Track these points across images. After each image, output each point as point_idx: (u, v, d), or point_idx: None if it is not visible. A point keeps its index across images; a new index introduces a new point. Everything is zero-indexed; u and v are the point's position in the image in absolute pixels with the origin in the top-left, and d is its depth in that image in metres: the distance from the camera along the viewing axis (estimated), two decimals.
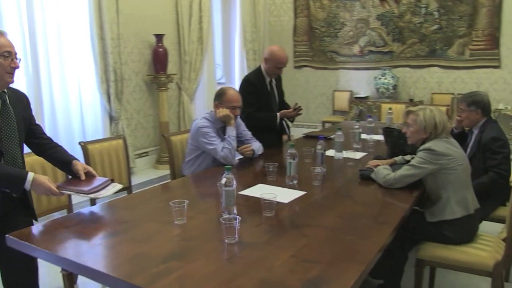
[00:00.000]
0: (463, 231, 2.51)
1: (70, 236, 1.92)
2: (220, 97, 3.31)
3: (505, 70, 7.32)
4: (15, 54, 2.12)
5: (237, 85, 8.16)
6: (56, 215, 2.79)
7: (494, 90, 7.24)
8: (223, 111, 3.24)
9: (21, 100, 2.29)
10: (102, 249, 1.79)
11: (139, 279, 1.49)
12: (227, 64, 8.53)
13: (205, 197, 2.51)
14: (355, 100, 8.26)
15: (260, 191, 2.47)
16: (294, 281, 1.47)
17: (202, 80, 7.29)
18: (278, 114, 3.92)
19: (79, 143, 3.24)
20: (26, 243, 1.81)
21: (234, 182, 2.05)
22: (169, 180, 3.56)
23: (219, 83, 7.99)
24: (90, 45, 5.47)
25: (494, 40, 7.27)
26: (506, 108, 7.06)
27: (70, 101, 5.37)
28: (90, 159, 3.19)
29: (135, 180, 5.48)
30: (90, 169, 2.39)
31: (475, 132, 3.28)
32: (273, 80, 4.02)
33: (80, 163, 2.39)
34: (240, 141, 3.46)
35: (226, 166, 2.08)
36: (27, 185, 2.08)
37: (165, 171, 6.30)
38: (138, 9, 6.17)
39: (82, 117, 5.55)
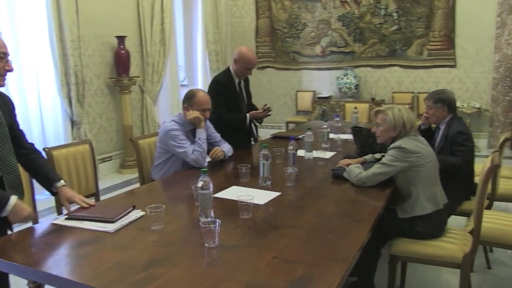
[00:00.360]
0: (434, 226, 2.58)
1: (40, 247, 1.84)
2: (190, 99, 3.27)
3: (460, 69, 7.59)
4: (8, 55, 2.02)
5: (200, 87, 8.15)
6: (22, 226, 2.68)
7: (451, 89, 7.42)
8: (194, 114, 3.20)
9: (6, 104, 2.19)
10: (77, 259, 1.72)
11: (121, 287, 1.45)
12: (189, 65, 8.47)
13: (179, 201, 2.47)
14: (318, 100, 8.36)
15: (234, 193, 2.45)
16: (280, 282, 1.47)
17: (165, 82, 7.21)
18: (247, 115, 3.92)
19: (44, 149, 3.12)
20: None
21: (211, 185, 2.03)
22: (137, 184, 3.49)
23: (182, 85, 7.93)
24: (49, 47, 5.30)
25: (449, 41, 7.53)
26: (463, 106, 7.29)
27: (29, 106, 5.18)
28: (55, 166, 3.09)
29: (99, 186, 5.35)
30: (83, 199, 2.25)
31: (442, 128, 3.39)
32: (242, 82, 4.02)
33: (68, 191, 2.26)
34: (210, 143, 3.42)
35: (202, 169, 2.05)
36: (7, 209, 1.95)
37: (129, 175, 6.20)
38: (98, 10, 6.04)
39: (42, 122, 5.38)
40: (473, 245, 2.48)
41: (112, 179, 6.03)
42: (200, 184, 2.01)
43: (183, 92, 7.63)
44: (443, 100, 3.32)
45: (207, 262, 1.66)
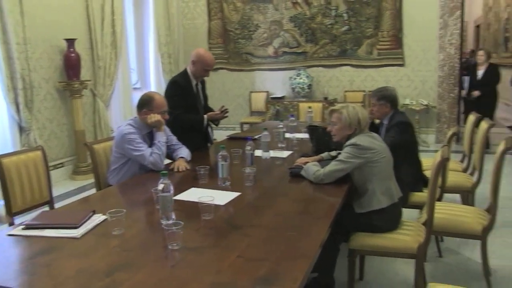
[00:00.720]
0: (390, 219, 2.67)
1: None
2: (150, 103, 3.23)
3: (408, 68, 7.86)
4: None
5: (153, 90, 8.06)
6: None
7: (400, 87, 7.73)
8: (155, 117, 3.18)
9: None
10: (36, 269, 1.67)
11: None
12: (141, 68, 8.35)
13: (139, 205, 2.44)
14: (272, 100, 8.44)
15: (194, 194, 2.46)
16: (245, 281, 1.49)
17: (117, 85, 7.07)
18: (205, 116, 3.92)
19: None
20: None
21: (171, 188, 2.03)
22: (92, 190, 3.40)
23: (135, 88, 7.81)
24: None
25: (397, 41, 7.79)
26: (412, 103, 7.56)
27: None
28: (5, 174, 2.97)
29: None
30: None
31: (385, 123, 3.59)
32: (199, 83, 4.02)
33: None
34: (166, 146, 3.41)
35: (162, 172, 2.05)
36: None
37: (83, 181, 6.05)
38: (45, 12, 5.86)
39: None
40: (427, 235, 2.58)
41: (65, 186, 5.86)
42: (160, 186, 2.00)
43: (136, 95, 7.56)
44: (386, 97, 3.52)
45: (171, 265, 1.66)
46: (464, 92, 7.41)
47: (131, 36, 7.93)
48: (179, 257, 1.71)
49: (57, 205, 3.46)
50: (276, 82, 8.70)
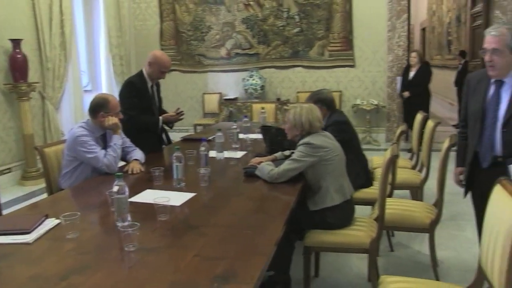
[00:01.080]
0: (343, 216, 2.75)
1: None
2: (105, 105, 3.17)
3: (359, 69, 8.07)
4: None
5: (105, 92, 7.90)
6: None
7: (351, 87, 7.94)
8: (112, 119, 3.14)
9: None
10: None
11: None
12: (92, 70, 8.18)
13: (93, 208, 2.41)
14: (225, 101, 8.46)
15: (149, 196, 2.45)
16: (203, 279, 1.50)
17: (67, 88, 6.89)
18: (160, 118, 3.91)
19: None
20: None
21: (126, 189, 2.02)
22: (42, 196, 3.30)
23: (86, 91, 7.64)
24: None
25: (348, 42, 7.99)
26: (362, 103, 7.77)
27: None
28: None
29: None
30: None
31: (323, 123, 3.66)
32: (154, 86, 4.00)
33: None
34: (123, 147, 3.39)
35: (117, 174, 2.03)
36: None
37: (33, 187, 5.86)
38: None
39: None
40: (378, 230, 2.68)
41: (13, 192, 5.66)
42: (115, 188, 1.99)
43: (87, 97, 7.40)
44: (322, 100, 3.58)
45: (128, 266, 1.66)
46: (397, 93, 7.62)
47: (81, 38, 7.75)
48: (136, 258, 1.70)
49: (5, 212, 3.35)
50: (229, 83, 8.73)
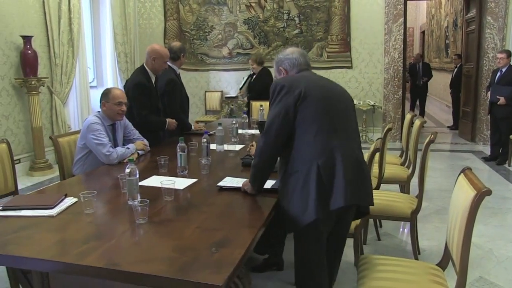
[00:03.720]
0: None
1: None
2: (106, 95, 3.47)
3: (356, 70, 8.35)
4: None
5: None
6: None
7: (349, 88, 8.20)
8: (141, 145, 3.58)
9: None
10: (20, 240, 1.87)
11: (67, 257, 1.68)
12: (98, 67, 8.46)
13: (106, 190, 2.67)
14: (226, 99, 8.73)
15: (155, 181, 2.73)
16: (202, 244, 1.78)
17: (74, 83, 7.18)
18: (167, 121, 4.26)
19: None
20: None
21: (137, 172, 2.29)
22: (51, 185, 3.51)
23: (91, 87, 7.91)
24: None
25: (346, 44, 8.27)
26: (359, 103, 8.04)
27: None
28: None
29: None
30: None
31: None
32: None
33: None
34: (129, 140, 3.67)
35: (130, 158, 2.31)
36: None
37: (41, 177, 6.14)
38: (0, 8, 5.93)
39: None
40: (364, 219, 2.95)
41: (22, 182, 5.93)
42: (127, 171, 2.26)
43: (93, 93, 7.68)
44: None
45: (141, 234, 1.93)
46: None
47: (88, 35, 8.03)
48: (145, 229, 1.98)
49: None
50: (230, 82, 9.01)
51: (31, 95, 6.17)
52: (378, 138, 3.32)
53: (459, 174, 2.20)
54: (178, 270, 1.55)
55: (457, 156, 7.31)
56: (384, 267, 2.30)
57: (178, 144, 2.95)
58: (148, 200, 2.04)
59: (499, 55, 6.64)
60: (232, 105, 8.56)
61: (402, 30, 8.03)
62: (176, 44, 4.77)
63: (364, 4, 8.11)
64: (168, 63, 4.32)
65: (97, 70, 8.48)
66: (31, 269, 1.92)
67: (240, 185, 2.54)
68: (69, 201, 2.36)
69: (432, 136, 3.32)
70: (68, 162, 3.60)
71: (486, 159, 6.87)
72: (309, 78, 2.38)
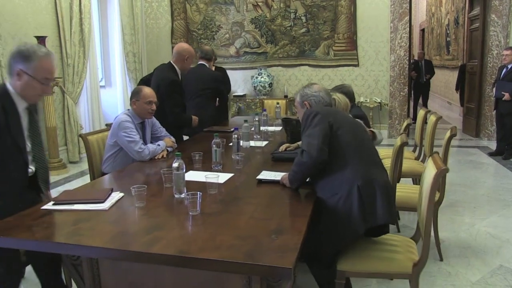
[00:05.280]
0: None
1: (42, 226, 2.03)
2: (137, 94, 3.56)
3: (362, 68, 8.46)
4: (53, 80, 2.42)
5: (118, 88, 8.27)
6: None
7: (355, 86, 8.31)
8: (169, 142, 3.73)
9: (35, 107, 2.56)
10: (84, 231, 1.95)
11: (135, 246, 1.77)
12: (106, 67, 8.52)
13: (148, 185, 2.75)
14: (234, 98, 8.82)
15: (193, 176, 2.82)
16: (261, 233, 1.88)
17: (85, 83, 7.25)
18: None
19: None
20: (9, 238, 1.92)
21: (184, 166, 2.39)
22: (65, 185, 3.55)
23: (100, 86, 7.97)
24: None
25: (352, 43, 8.38)
26: (366, 100, 8.16)
27: None
28: None
29: None
30: None
31: None
32: None
33: None
34: (156, 137, 3.76)
35: (176, 153, 2.41)
36: None
37: (55, 177, 6.18)
38: (15, 9, 5.99)
39: None
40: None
41: None
42: (175, 165, 2.36)
43: (103, 93, 7.75)
44: (345, 94, 3.93)
45: (197, 224, 2.02)
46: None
47: (96, 35, 8.09)
48: (201, 220, 2.07)
49: None
50: (237, 80, 9.09)
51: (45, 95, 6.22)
52: (402, 133, 3.43)
53: (427, 158, 2.56)
54: (246, 256, 1.65)
55: (463, 151, 7.44)
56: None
57: (213, 140, 3.04)
58: (200, 193, 2.13)
59: (505, 52, 6.78)
60: (241, 103, 8.65)
61: (408, 28, 8.15)
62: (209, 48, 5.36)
63: (370, 2, 8.22)
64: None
65: (105, 70, 8.55)
66: (98, 258, 2.00)
67: (278, 178, 2.64)
68: (116, 195, 2.45)
69: (452, 131, 3.43)
70: (97, 160, 3.67)
71: (491, 154, 7.01)
72: (336, 110, 2.71)
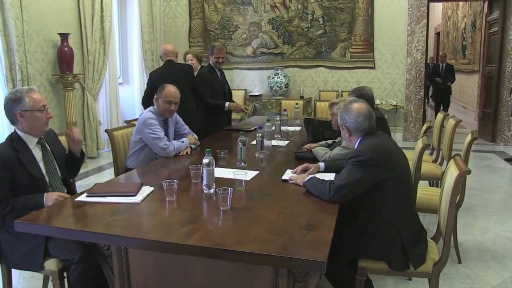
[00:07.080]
0: None
1: (79, 217, 2.13)
2: (160, 91, 3.61)
3: (378, 70, 8.49)
4: (47, 106, 2.57)
5: (136, 85, 8.36)
6: None
7: (371, 88, 8.32)
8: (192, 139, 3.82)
9: (51, 137, 2.76)
10: (121, 223, 2.01)
11: (173, 238, 1.83)
12: (124, 64, 8.62)
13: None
14: (250, 98, 8.89)
15: (219, 173, 2.86)
16: (293, 227, 1.93)
17: (104, 80, 7.35)
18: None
19: None
20: (40, 225, 2.00)
21: (214, 162, 2.45)
22: (87, 179, 3.60)
23: (118, 84, 8.07)
24: None
25: (369, 45, 8.41)
26: (381, 103, 8.18)
27: None
28: None
29: None
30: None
31: None
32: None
33: None
34: (179, 134, 3.83)
35: (207, 149, 2.46)
36: (45, 204, 2.40)
37: None
38: (40, 6, 6.10)
39: None
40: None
41: None
42: (206, 161, 2.41)
43: (122, 89, 7.84)
44: (363, 96, 3.95)
45: (229, 219, 2.08)
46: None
47: (116, 33, 8.19)
48: (232, 214, 2.12)
49: None
50: (254, 80, 9.16)
51: (66, 91, 6.34)
52: (423, 135, 3.47)
53: (450, 159, 2.60)
54: (280, 249, 1.71)
55: (479, 156, 7.43)
56: None
57: (239, 138, 3.10)
58: (231, 188, 2.18)
59: None
60: (257, 103, 8.71)
61: (425, 32, 8.16)
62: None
63: (388, 5, 8.25)
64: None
65: (123, 67, 8.65)
66: (136, 248, 2.05)
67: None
68: (146, 189, 2.51)
69: (473, 134, 3.47)
70: (122, 155, 3.75)
71: (508, 160, 6.99)
72: (388, 148, 2.52)
